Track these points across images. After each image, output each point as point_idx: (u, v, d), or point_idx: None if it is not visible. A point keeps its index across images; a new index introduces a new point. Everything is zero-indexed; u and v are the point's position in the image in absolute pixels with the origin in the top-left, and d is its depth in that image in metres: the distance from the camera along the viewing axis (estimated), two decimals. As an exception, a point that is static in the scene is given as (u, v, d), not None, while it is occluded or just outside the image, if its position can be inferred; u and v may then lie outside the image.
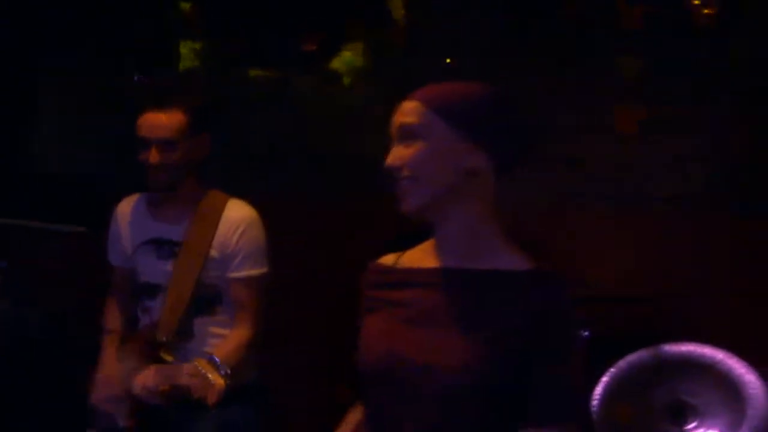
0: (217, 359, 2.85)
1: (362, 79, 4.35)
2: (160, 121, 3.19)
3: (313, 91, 4.51)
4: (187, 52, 4.54)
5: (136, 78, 4.35)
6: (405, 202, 2.06)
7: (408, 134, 2.05)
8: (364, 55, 4.25)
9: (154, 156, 3.19)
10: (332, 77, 4.43)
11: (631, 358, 3.57)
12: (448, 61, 3.93)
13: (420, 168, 2.03)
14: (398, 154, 2.07)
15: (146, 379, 2.95)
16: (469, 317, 2.00)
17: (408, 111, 2.07)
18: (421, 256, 2.13)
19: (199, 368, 2.76)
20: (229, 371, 2.80)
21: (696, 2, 3.94)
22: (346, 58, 4.30)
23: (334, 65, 4.33)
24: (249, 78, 4.56)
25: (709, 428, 3.51)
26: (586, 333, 3.26)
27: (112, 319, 3.45)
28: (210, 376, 2.74)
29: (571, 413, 1.98)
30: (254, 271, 3.27)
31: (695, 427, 3.52)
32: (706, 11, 3.95)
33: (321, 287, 4.48)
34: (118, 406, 3.17)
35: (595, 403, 3.54)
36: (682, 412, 3.55)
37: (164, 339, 3.15)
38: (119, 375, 3.17)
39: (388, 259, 2.19)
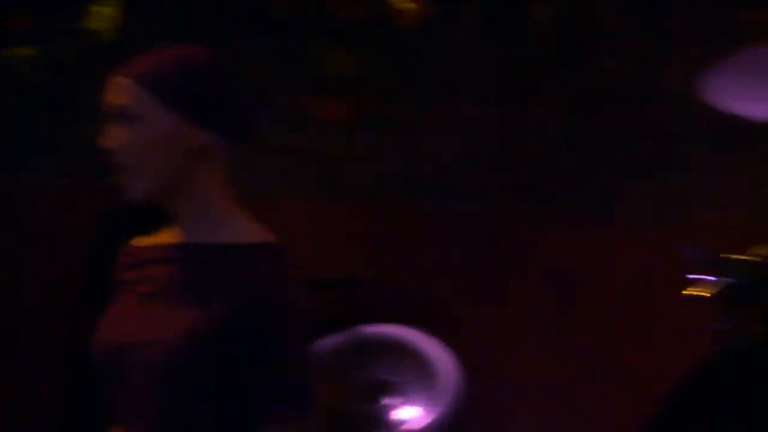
0: None
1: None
2: None
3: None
4: None
5: None
6: (127, 192, 1.88)
7: (122, 116, 1.86)
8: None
9: None
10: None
11: (329, 341, 3.64)
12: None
13: (140, 155, 1.85)
14: (114, 137, 1.88)
15: None
16: (191, 292, 1.87)
17: (119, 90, 1.86)
18: (163, 235, 1.97)
19: None
20: None
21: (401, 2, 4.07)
22: (103, 15, 4.16)
23: (90, 25, 4.19)
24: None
25: (407, 404, 3.65)
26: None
27: None
28: None
29: (308, 403, 1.83)
30: None
31: (395, 404, 3.65)
32: (410, 10, 4.08)
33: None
34: None
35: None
36: (383, 391, 3.67)
37: None
38: None
39: (139, 240, 2.02)
